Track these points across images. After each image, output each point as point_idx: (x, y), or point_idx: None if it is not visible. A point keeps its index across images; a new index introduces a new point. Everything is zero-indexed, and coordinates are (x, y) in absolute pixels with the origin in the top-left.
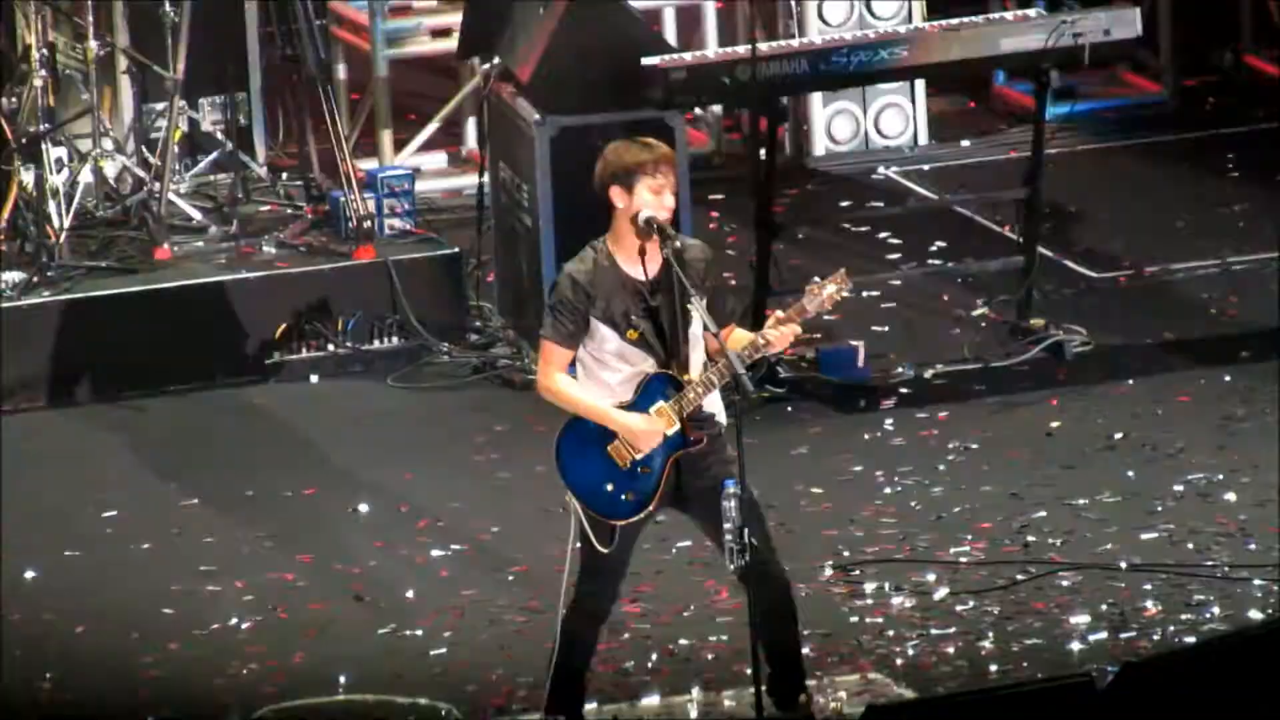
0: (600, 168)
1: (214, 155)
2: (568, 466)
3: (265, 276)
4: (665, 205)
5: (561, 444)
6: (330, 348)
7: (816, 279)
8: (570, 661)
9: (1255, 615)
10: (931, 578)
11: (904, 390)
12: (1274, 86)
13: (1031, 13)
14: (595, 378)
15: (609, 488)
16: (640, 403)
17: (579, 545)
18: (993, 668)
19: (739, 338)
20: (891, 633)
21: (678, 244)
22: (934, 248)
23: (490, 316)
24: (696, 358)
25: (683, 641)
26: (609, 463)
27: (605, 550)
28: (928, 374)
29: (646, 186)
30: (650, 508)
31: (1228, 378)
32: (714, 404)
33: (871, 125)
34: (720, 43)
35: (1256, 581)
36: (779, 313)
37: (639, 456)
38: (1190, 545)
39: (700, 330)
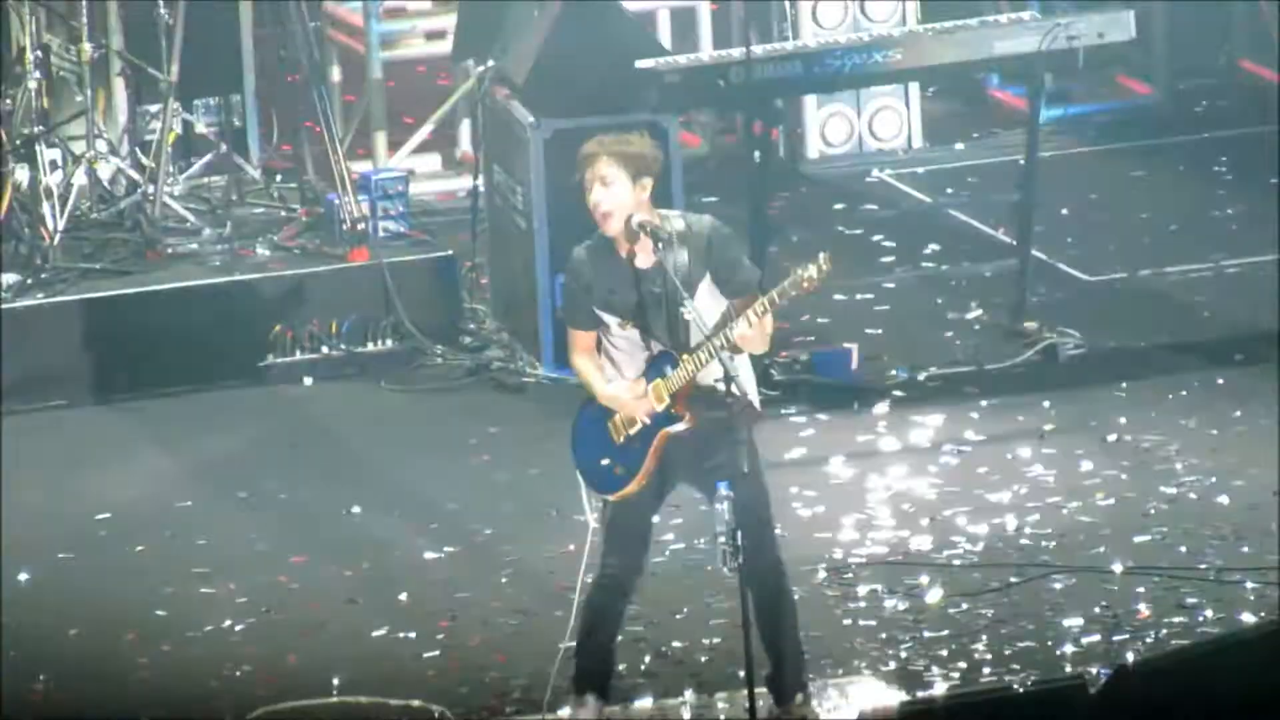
0: None
1: (208, 157)
2: (576, 445)
3: (259, 279)
4: (593, 201)
5: (575, 424)
6: (324, 350)
7: (797, 268)
8: (598, 637)
9: (1248, 618)
10: (924, 580)
11: (898, 393)
12: (1267, 90)
13: (1025, 16)
14: (610, 359)
15: (604, 462)
16: (645, 381)
17: (597, 522)
18: (986, 671)
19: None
20: (884, 635)
21: (680, 225)
22: (928, 250)
23: (484, 319)
24: (699, 339)
25: (676, 644)
26: (606, 438)
27: (595, 524)
28: (921, 376)
29: (585, 187)
30: (639, 480)
31: (1221, 380)
32: (747, 382)
33: (866, 128)
34: (714, 45)
35: (1249, 584)
36: (749, 312)
37: (631, 431)
38: (1183, 548)
39: (701, 311)
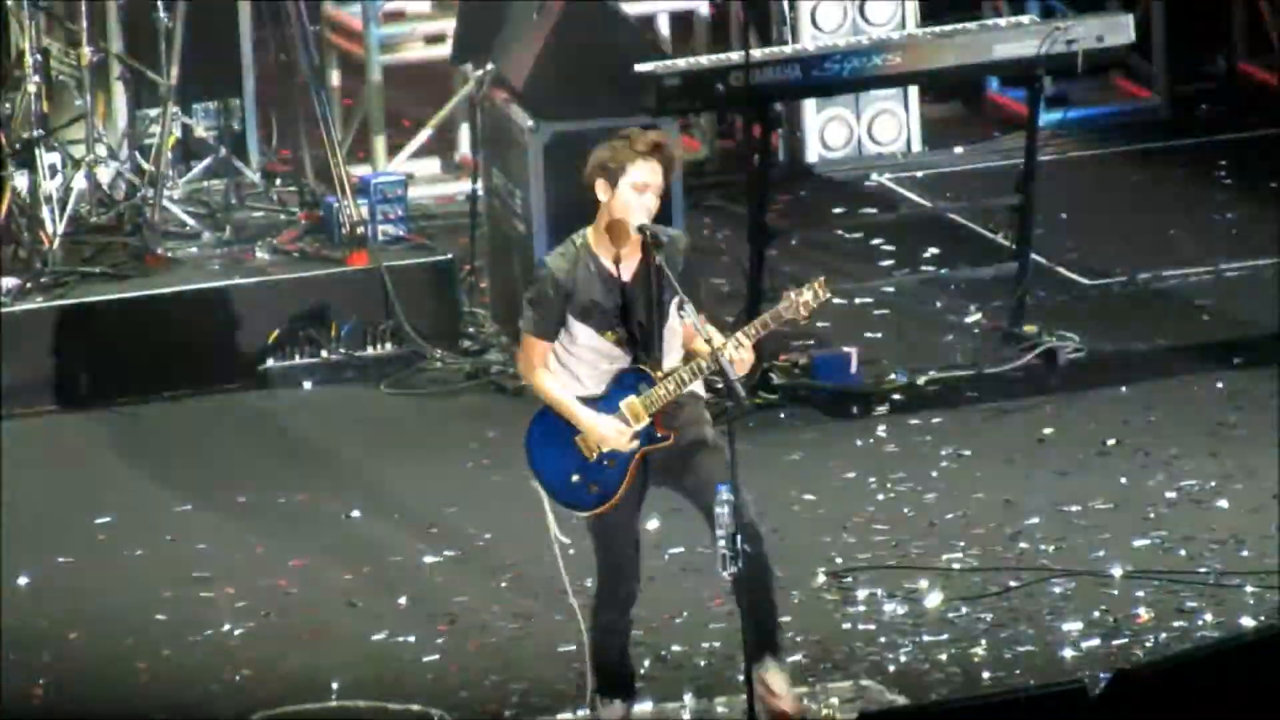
0: (593, 156)
1: (207, 161)
2: (535, 455)
3: (259, 282)
4: (645, 205)
5: (531, 432)
6: (324, 354)
7: (792, 291)
8: (611, 650)
9: (1247, 622)
10: (924, 584)
11: (897, 396)
12: (1266, 93)
13: (1024, 19)
14: (568, 368)
15: (575, 479)
16: (612, 396)
17: (597, 541)
18: (985, 675)
19: (699, 348)
20: (884, 639)
21: (663, 239)
22: (927, 254)
23: (483, 322)
24: (671, 353)
25: (675, 648)
26: (576, 454)
27: (566, 540)
28: (921, 380)
29: (630, 184)
30: (615, 500)
31: (1220, 384)
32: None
33: (865, 132)
34: (712, 49)
35: (1249, 588)
36: (739, 334)
37: (605, 449)
38: (1183, 552)
39: (675, 325)
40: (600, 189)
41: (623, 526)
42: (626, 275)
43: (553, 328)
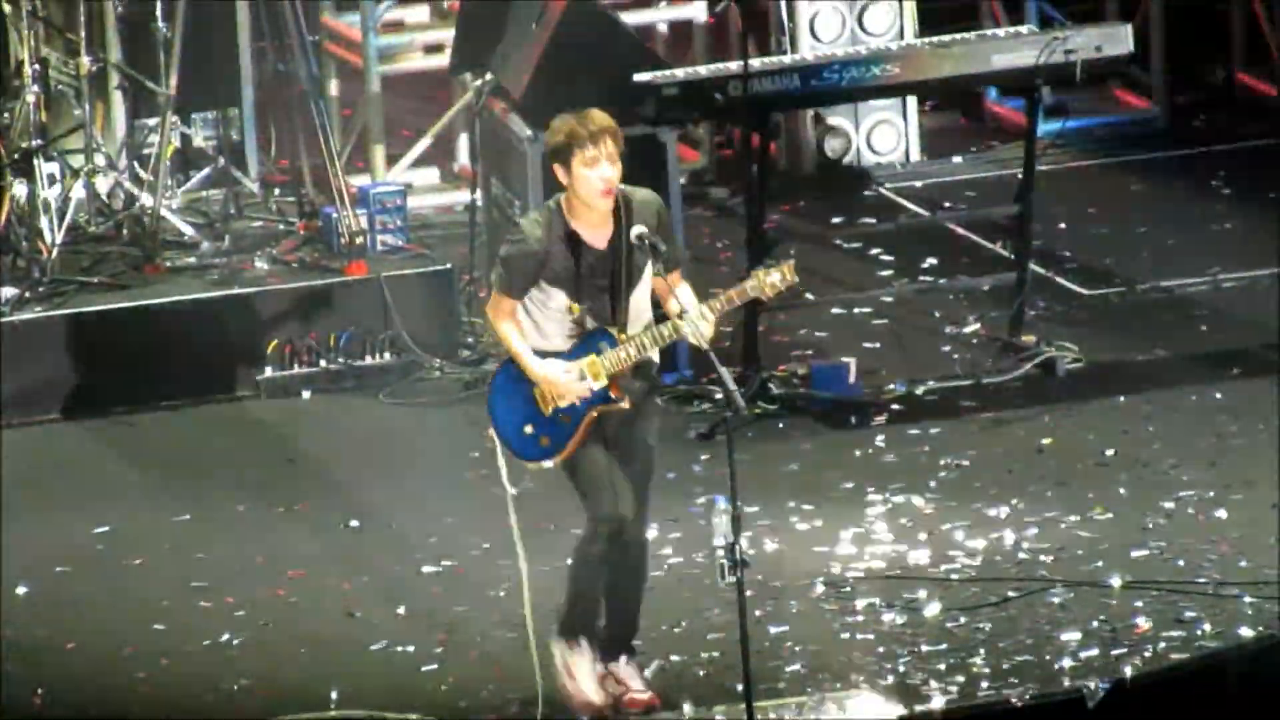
0: (545, 144)
1: (206, 171)
2: (495, 403)
3: (257, 292)
4: (603, 177)
5: (495, 380)
6: (322, 363)
7: (760, 270)
8: (594, 587)
9: (1246, 632)
10: (923, 594)
11: (895, 406)
12: (1265, 104)
13: (1023, 29)
14: (538, 325)
15: (528, 429)
16: (576, 353)
17: (576, 479)
18: (984, 685)
19: (671, 308)
20: (882, 649)
21: (663, 248)
22: (926, 264)
23: (483, 332)
24: (636, 319)
25: (674, 657)
26: (532, 406)
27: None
28: (919, 390)
29: (580, 161)
30: (563, 455)
31: (1219, 395)
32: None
33: (863, 141)
34: (709, 58)
35: (1247, 599)
36: (703, 307)
37: (562, 405)
38: (1181, 562)
39: (641, 295)
40: (559, 173)
41: (590, 455)
42: (599, 242)
43: (521, 289)
